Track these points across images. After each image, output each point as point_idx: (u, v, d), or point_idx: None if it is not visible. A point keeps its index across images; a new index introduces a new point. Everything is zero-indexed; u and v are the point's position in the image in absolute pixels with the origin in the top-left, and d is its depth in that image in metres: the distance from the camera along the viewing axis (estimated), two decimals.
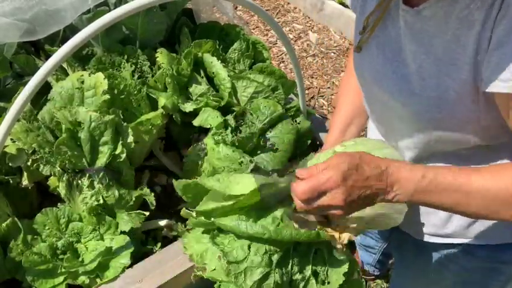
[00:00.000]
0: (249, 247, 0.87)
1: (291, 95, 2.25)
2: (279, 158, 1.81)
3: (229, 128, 1.90)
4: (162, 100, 1.98)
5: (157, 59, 2.05)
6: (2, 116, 1.58)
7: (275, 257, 0.87)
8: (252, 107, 1.96)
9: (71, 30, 2.11)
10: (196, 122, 1.96)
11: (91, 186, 1.70)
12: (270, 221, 0.88)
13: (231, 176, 1.00)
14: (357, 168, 0.78)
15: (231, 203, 0.92)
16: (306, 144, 1.96)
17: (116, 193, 1.70)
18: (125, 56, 2.08)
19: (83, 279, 1.64)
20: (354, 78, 1.19)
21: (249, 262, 0.85)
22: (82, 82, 1.83)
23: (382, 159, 0.82)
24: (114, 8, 1.43)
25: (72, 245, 1.71)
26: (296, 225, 0.89)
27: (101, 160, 1.70)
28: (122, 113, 1.81)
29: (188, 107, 1.99)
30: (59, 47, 1.36)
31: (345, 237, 0.90)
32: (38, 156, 1.72)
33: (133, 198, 1.73)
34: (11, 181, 1.87)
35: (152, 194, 1.75)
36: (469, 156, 0.97)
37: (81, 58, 2.11)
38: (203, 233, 1.04)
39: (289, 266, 0.88)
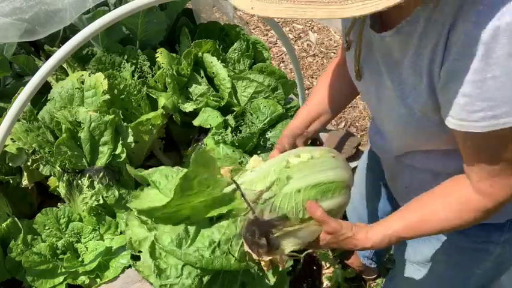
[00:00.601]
0: (182, 269, 0.91)
1: (291, 95, 2.25)
2: None
3: (229, 128, 1.90)
4: (162, 100, 1.98)
5: (157, 59, 2.05)
6: (2, 116, 1.58)
7: (205, 278, 0.93)
8: (252, 107, 1.96)
9: (71, 30, 2.11)
10: (196, 122, 1.96)
11: (91, 186, 1.70)
12: (206, 244, 0.91)
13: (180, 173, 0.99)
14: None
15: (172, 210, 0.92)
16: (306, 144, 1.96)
17: (116, 193, 1.71)
18: (125, 56, 2.08)
19: (83, 279, 1.64)
20: (328, 81, 1.28)
21: (180, 285, 0.90)
22: (82, 82, 1.83)
23: (358, 240, 1.01)
24: (114, 8, 1.43)
25: (72, 245, 1.71)
26: (246, 247, 0.94)
27: (101, 160, 1.71)
28: (122, 113, 1.81)
29: (188, 107, 1.99)
30: (59, 47, 1.37)
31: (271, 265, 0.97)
32: (38, 156, 1.72)
33: None
34: (11, 181, 1.88)
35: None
36: (449, 152, 1.02)
37: (81, 58, 2.11)
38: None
39: (219, 284, 0.95)
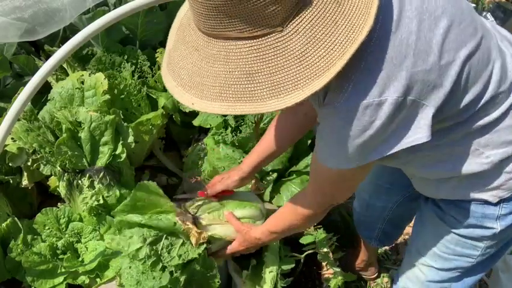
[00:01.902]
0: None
1: None
2: (279, 158, 1.81)
3: (229, 128, 1.90)
4: (162, 100, 1.98)
5: (157, 59, 2.05)
6: (2, 116, 1.58)
7: (148, 240, 1.36)
8: None
9: (71, 30, 2.11)
10: (196, 122, 1.96)
11: (91, 186, 1.70)
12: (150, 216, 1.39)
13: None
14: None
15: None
16: (306, 144, 1.95)
17: (117, 193, 1.70)
18: (125, 56, 2.08)
19: (83, 279, 1.64)
20: (274, 131, 1.46)
21: (129, 243, 1.36)
22: (82, 82, 1.83)
23: (250, 238, 1.39)
24: (114, 8, 1.43)
25: (72, 245, 1.71)
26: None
27: (102, 160, 1.70)
28: (123, 113, 1.81)
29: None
30: (59, 47, 1.37)
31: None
32: (38, 156, 1.72)
33: None
34: (11, 181, 1.88)
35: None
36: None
37: (81, 58, 2.11)
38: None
39: (160, 247, 1.38)
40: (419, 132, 0.92)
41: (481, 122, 1.02)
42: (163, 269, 1.37)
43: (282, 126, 1.45)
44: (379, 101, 0.86)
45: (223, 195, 1.54)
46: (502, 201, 1.13)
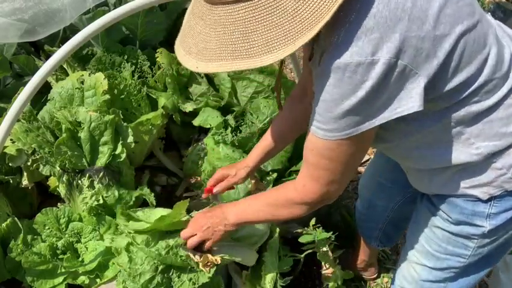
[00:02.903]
0: (145, 260, 1.38)
1: None
2: (279, 158, 1.82)
3: (229, 128, 1.90)
4: (162, 100, 1.98)
5: (157, 59, 2.05)
6: (2, 116, 1.58)
7: (160, 268, 1.37)
8: (252, 106, 1.96)
9: (71, 30, 2.11)
10: (196, 122, 1.96)
11: (91, 186, 1.70)
12: (163, 246, 1.38)
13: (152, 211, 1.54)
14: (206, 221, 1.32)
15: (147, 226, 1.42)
16: None
17: (116, 193, 1.70)
18: (125, 56, 2.08)
19: (83, 279, 1.64)
20: (280, 122, 1.44)
21: (142, 270, 1.36)
22: (82, 82, 1.83)
23: (218, 210, 1.32)
24: (114, 8, 1.43)
25: (72, 245, 1.71)
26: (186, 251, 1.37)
27: (101, 160, 1.70)
28: (122, 113, 1.81)
29: (188, 107, 1.99)
30: (59, 47, 1.37)
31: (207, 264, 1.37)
32: (38, 157, 1.72)
33: (133, 198, 1.73)
34: (11, 181, 1.88)
35: (152, 194, 1.75)
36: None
37: (81, 58, 2.11)
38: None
39: (170, 273, 1.39)
40: (410, 102, 0.93)
41: (474, 109, 1.02)
42: None
43: (289, 117, 1.44)
44: (372, 60, 0.87)
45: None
46: (492, 198, 1.13)
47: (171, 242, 1.39)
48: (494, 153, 1.07)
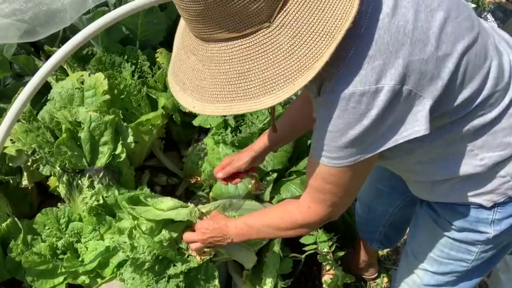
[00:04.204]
0: (146, 248, 1.40)
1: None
2: (279, 158, 1.81)
3: (229, 128, 1.90)
4: (162, 100, 1.98)
5: (157, 59, 2.05)
6: (2, 116, 1.58)
7: (160, 257, 1.41)
8: None
9: (71, 30, 2.11)
10: (196, 122, 1.96)
11: (91, 186, 1.70)
12: (166, 237, 1.41)
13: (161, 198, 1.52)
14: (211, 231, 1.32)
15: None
16: (306, 144, 1.95)
17: (116, 193, 1.70)
18: (125, 56, 2.08)
19: (83, 278, 1.64)
20: (292, 111, 1.41)
21: (143, 257, 1.38)
22: (82, 82, 1.83)
23: (221, 223, 1.31)
24: (114, 8, 1.43)
25: (72, 245, 1.71)
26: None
27: (101, 160, 1.70)
28: (122, 113, 1.81)
29: None
30: (59, 47, 1.37)
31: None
32: (38, 157, 1.72)
33: None
34: (11, 181, 1.88)
35: (152, 194, 1.75)
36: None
37: (81, 58, 2.11)
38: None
39: (167, 262, 1.43)
40: (417, 125, 0.91)
41: (477, 122, 1.01)
42: (168, 280, 1.40)
43: (298, 109, 1.40)
44: (376, 88, 0.85)
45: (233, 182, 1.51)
46: (496, 205, 1.12)
47: (174, 234, 1.41)
48: (498, 162, 1.06)
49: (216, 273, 1.45)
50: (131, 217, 1.45)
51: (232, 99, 0.84)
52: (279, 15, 0.78)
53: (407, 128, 0.91)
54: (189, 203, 1.49)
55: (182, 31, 0.94)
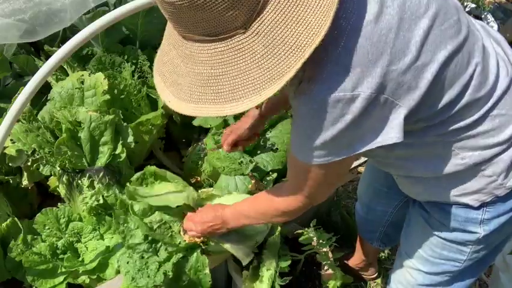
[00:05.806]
0: (136, 230, 1.47)
1: None
2: (279, 158, 1.81)
3: None
4: (162, 100, 1.98)
5: None
6: (2, 116, 1.58)
7: (150, 238, 1.46)
8: None
9: (71, 30, 2.11)
10: (196, 122, 1.96)
11: (91, 186, 1.70)
12: (157, 219, 1.46)
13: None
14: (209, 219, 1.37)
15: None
16: None
17: (117, 193, 1.70)
18: (125, 56, 2.08)
19: (83, 278, 1.64)
20: None
21: (133, 238, 1.45)
22: (82, 82, 1.83)
23: (219, 211, 1.37)
24: (114, 8, 1.43)
25: (72, 245, 1.71)
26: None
27: (101, 160, 1.71)
28: (122, 113, 1.81)
29: None
30: (59, 47, 1.37)
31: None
32: (38, 157, 1.72)
33: None
34: (11, 181, 1.88)
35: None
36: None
37: (81, 58, 2.11)
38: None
39: (159, 244, 1.46)
40: (390, 132, 0.92)
41: (457, 125, 1.01)
42: (158, 267, 1.43)
43: None
44: (351, 95, 0.86)
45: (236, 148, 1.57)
46: (484, 205, 1.12)
47: (166, 217, 1.46)
48: (480, 162, 1.06)
49: (207, 262, 1.48)
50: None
51: (204, 100, 0.84)
52: (254, 23, 0.78)
53: (381, 134, 0.93)
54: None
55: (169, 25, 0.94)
